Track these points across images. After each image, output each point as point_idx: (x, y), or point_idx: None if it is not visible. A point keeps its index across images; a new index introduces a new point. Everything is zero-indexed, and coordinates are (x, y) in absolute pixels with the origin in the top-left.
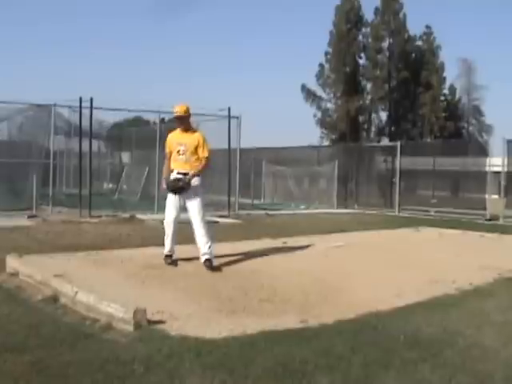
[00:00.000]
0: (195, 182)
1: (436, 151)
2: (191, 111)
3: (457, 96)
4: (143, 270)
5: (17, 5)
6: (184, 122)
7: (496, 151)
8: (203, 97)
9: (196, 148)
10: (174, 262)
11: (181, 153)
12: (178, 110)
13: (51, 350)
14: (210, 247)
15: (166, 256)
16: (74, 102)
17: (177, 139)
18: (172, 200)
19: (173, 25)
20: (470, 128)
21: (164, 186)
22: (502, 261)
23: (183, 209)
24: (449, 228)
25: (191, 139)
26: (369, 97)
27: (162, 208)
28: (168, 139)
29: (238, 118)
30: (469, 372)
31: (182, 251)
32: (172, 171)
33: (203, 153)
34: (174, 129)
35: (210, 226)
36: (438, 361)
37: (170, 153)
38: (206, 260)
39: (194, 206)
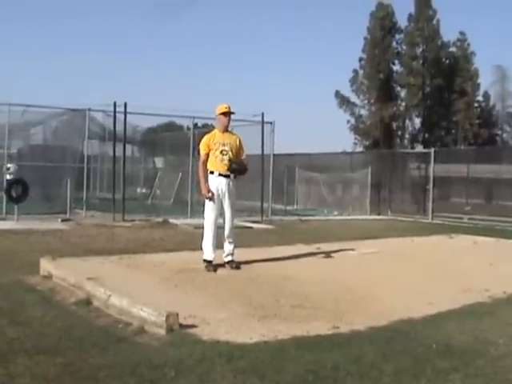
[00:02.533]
0: (234, 185)
1: (470, 158)
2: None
3: (491, 103)
4: (176, 274)
5: (56, 13)
6: (230, 119)
7: None
8: (236, 102)
9: (238, 149)
10: (215, 269)
11: (224, 153)
12: (228, 105)
13: (83, 352)
14: (234, 248)
15: (209, 262)
16: (108, 106)
17: (219, 139)
18: (212, 202)
19: (201, 30)
20: (504, 135)
21: (208, 193)
22: None
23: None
24: (482, 235)
25: (233, 140)
26: (403, 103)
27: (195, 213)
28: (206, 141)
29: (271, 123)
30: (501, 382)
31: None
32: (212, 173)
33: (244, 154)
34: (208, 132)
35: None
36: (469, 370)
37: (207, 155)
38: (232, 260)
39: (231, 207)
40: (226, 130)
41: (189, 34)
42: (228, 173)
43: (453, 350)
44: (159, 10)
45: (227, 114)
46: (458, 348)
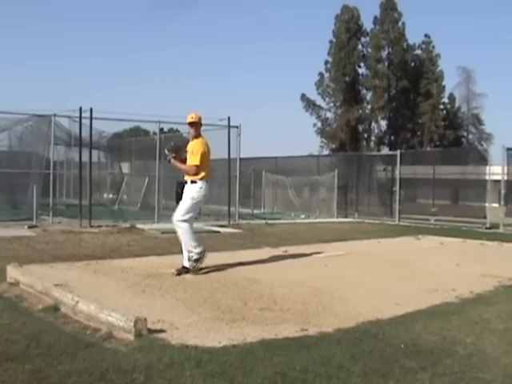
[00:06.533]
0: (190, 188)
1: (436, 160)
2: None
3: (456, 105)
4: (143, 279)
5: (19, 16)
6: (196, 129)
7: (496, 160)
8: (202, 106)
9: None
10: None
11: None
12: (191, 116)
13: (52, 359)
14: (190, 252)
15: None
16: (73, 112)
17: (187, 147)
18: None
19: (168, 34)
20: (470, 136)
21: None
22: (502, 269)
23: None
24: (449, 236)
25: (191, 147)
26: (368, 106)
27: (162, 218)
28: None
29: (237, 127)
30: (468, 380)
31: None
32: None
33: (190, 160)
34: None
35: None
36: (437, 369)
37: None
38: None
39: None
40: (194, 136)
41: (153, 41)
42: (187, 178)
43: (421, 349)
44: (125, 18)
45: (189, 124)
46: (426, 348)
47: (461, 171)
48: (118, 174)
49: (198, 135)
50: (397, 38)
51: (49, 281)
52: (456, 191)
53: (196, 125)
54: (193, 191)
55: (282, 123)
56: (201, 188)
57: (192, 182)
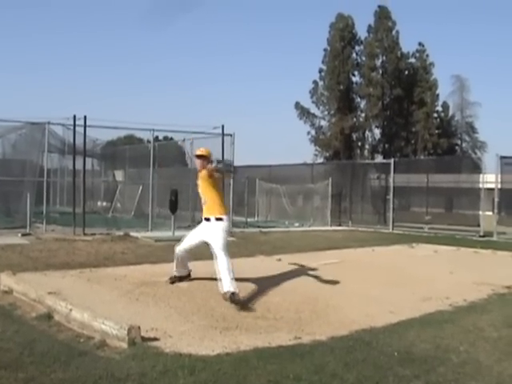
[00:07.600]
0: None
1: (429, 168)
2: (205, 153)
3: (450, 113)
4: (137, 287)
5: (14, 24)
6: (202, 162)
7: (489, 168)
8: (196, 114)
9: (204, 188)
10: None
11: (202, 201)
12: (200, 149)
13: (45, 367)
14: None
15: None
16: (67, 120)
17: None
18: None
19: (163, 43)
20: (464, 145)
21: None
22: (495, 277)
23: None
24: (443, 244)
25: (200, 177)
26: (362, 114)
27: (155, 226)
28: None
29: (231, 135)
30: None
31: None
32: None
33: (210, 171)
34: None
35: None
36: (431, 377)
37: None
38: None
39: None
40: (200, 170)
41: (148, 49)
42: (209, 216)
43: (414, 357)
44: (120, 25)
45: (197, 156)
46: (420, 356)
47: (454, 179)
48: (111, 181)
49: (203, 168)
50: (391, 46)
51: (42, 289)
52: (450, 199)
53: (203, 158)
54: (221, 227)
55: (276, 131)
56: (228, 222)
57: (218, 219)
